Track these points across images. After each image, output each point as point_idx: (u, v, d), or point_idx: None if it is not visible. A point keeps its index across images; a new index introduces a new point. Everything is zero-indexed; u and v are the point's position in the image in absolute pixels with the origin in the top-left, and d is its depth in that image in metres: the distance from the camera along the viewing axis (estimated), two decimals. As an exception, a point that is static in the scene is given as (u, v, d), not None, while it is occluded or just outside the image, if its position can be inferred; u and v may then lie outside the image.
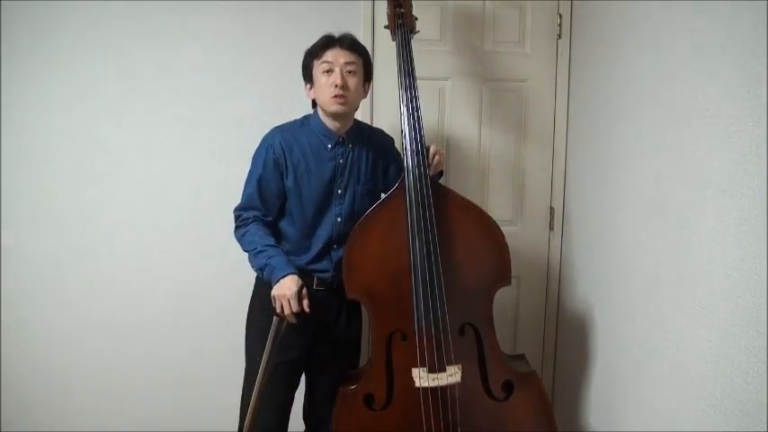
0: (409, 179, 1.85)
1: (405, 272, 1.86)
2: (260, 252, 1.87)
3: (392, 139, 2.15)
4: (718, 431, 1.47)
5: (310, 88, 1.96)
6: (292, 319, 1.80)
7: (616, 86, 2.07)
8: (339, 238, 1.96)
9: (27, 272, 2.44)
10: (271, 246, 1.89)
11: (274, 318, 1.79)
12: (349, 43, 1.91)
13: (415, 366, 1.86)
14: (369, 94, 2.07)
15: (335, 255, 1.97)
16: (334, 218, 1.96)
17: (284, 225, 1.99)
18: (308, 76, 1.95)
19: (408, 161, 1.87)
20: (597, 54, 2.25)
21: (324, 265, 1.97)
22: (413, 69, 1.93)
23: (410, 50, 1.96)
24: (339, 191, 1.97)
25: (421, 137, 1.88)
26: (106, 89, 2.39)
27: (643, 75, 1.87)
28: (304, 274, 1.88)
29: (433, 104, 2.48)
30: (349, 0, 2.43)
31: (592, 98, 2.31)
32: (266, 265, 1.85)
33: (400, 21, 1.99)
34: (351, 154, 1.98)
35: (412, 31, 2.04)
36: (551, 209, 2.58)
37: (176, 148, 2.46)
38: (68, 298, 2.47)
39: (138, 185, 2.46)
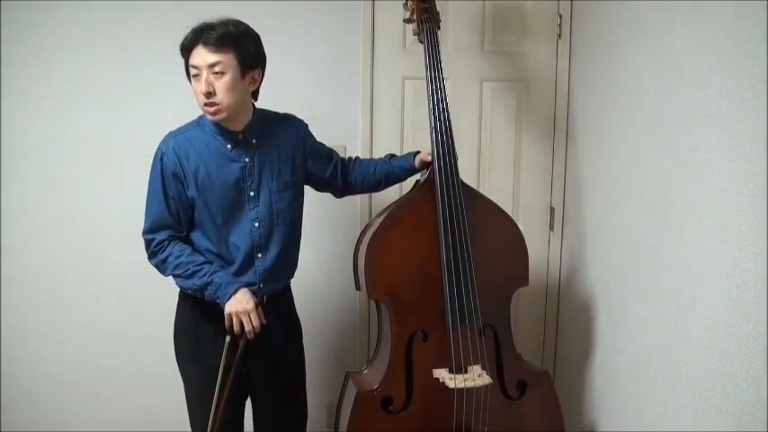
0: (440, 178, 1.84)
1: (432, 271, 1.83)
2: (195, 272, 1.72)
3: (305, 123, 1.95)
4: (718, 431, 1.47)
5: None
6: (252, 335, 1.69)
7: (616, 86, 2.07)
8: (261, 245, 1.79)
9: (27, 272, 2.44)
10: (205, 263, 1.74)
11: (228, 337, 1.68)
12: (214, 40, 1.64)
13: (438, 367, 1.84)
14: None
15: (261, 264, 1.79)
16: (250, 223, 1.77)
17: (197, 239, 1.79)
18: (188, 76, 1.72)
19: (437, 160, 1.85)
20: (597, 54, 2.25)
21: (249, 277, 1.78)
22: (441, 67, 1.90)
23: (438, 47, 1.91)
24: (251, 193, 1.77)
25: (449, 136, 1.86)
26: (107, 89, 2.39)
27: (643, 75, 1.86)
28: None
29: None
30: (349, 0, 2.42)
31: (592, 98, 2.31)
32: (209, 283, 1.70)
33: (426, 15, 1.94)
34: (256, 151, 1.78)
35: (438, 26, 1.98)
36: (551, 209, 2.58)
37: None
38: (69, 298, 2.46)
39: (139, 185, 2.44)
